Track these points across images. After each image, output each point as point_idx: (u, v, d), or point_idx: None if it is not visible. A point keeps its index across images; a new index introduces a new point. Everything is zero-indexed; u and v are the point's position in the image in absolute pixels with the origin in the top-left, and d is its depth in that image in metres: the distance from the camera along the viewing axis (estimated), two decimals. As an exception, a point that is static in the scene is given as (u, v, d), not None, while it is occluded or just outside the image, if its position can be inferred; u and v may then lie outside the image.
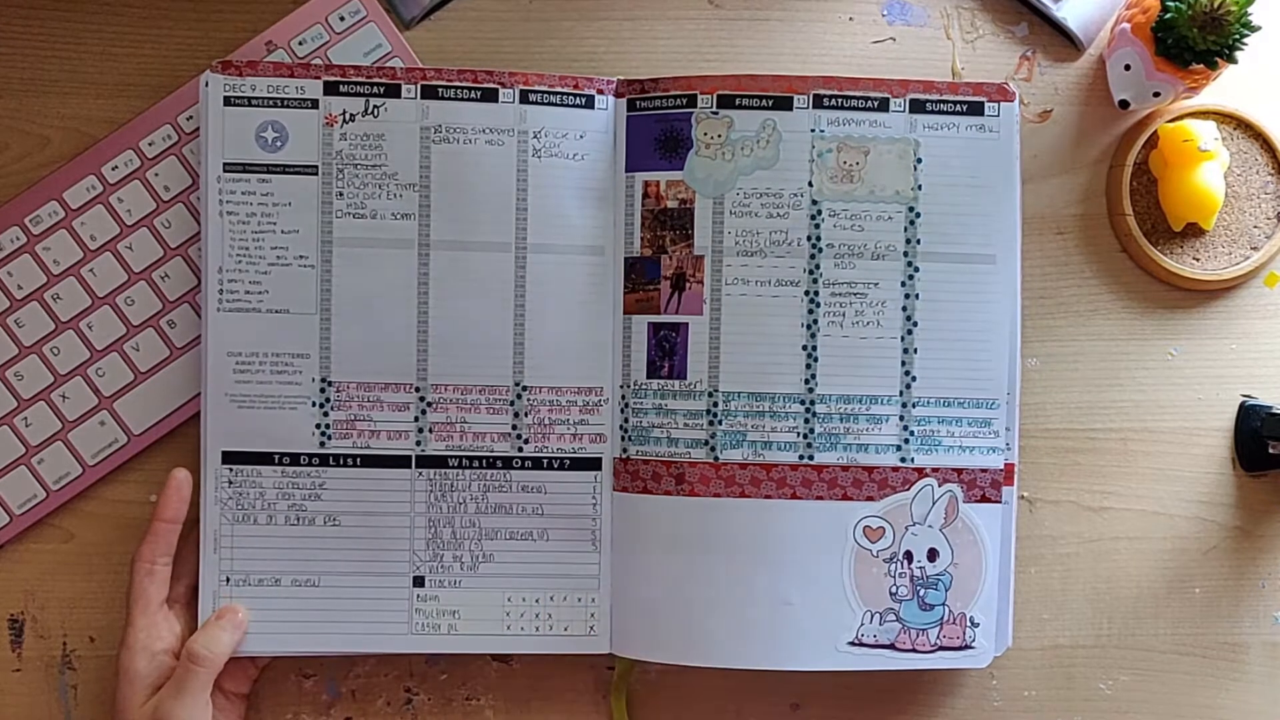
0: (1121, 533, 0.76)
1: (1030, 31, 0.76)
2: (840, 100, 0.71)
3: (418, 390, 0.71)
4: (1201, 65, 0.69)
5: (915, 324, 0.71)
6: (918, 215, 0.71)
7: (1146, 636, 0.76)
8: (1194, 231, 0.75)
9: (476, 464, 0.72)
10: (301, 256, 0.71)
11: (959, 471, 0.71)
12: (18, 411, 0.72)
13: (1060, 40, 0.76)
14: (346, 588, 0.71)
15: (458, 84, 0.71)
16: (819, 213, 0.71)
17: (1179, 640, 0.76)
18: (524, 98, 0.71)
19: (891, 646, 0.71)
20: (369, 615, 0.71)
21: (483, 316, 0.71)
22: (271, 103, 0.70)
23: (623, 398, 0.72)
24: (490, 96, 0.71)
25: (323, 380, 0.71)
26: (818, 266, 0.71)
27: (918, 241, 0.71)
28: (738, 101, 0.71)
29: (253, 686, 0.73)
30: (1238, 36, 0.68)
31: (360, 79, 0.71)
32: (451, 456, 0.71)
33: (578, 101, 0.72)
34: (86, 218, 0.72)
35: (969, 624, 0.71)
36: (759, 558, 0.70)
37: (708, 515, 0.71)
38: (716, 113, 0.71)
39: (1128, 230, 0.75)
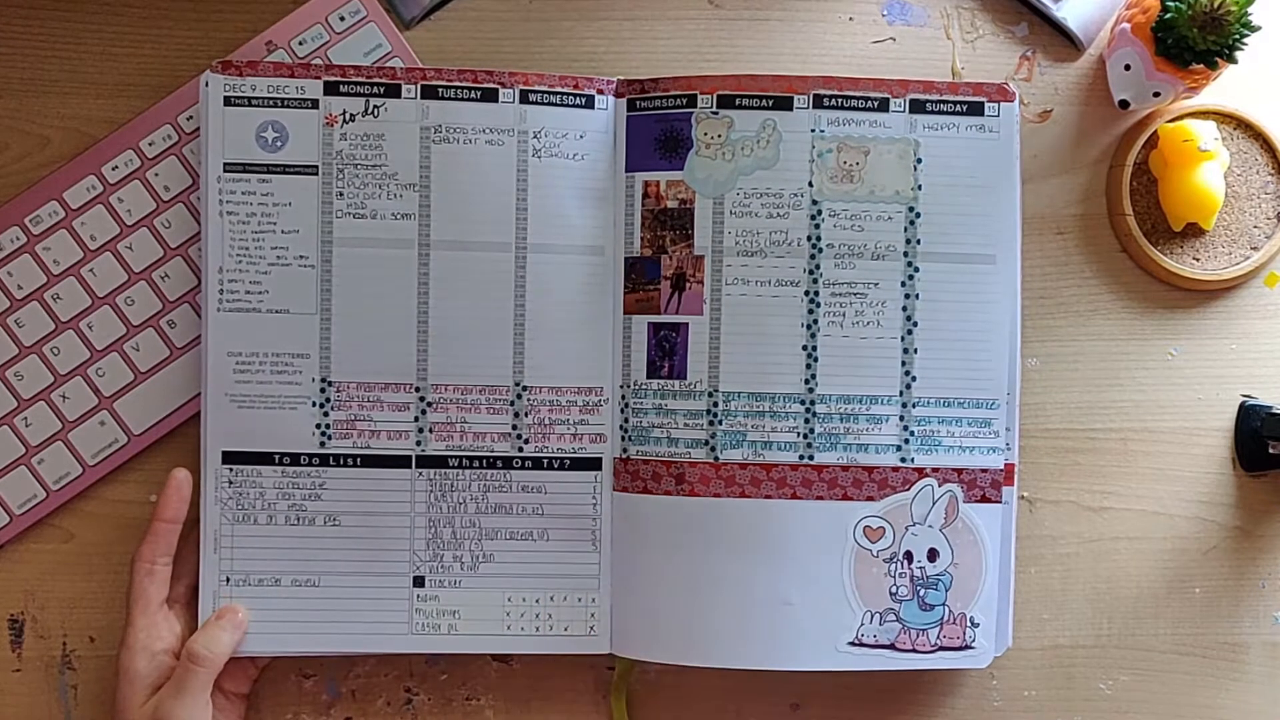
0: (1121, 533, 0.76)
1: (1030, 31, 0.76)
2: (840, 100, 0.71)
3: (418, 390, 0.71)
4: (1201, 65, 0.69)
5: (915, 324, 0.71)
6: (918, 215, 0.71)
7: (1146, 636, 0.76)
8: (1194, 231, 0.75)
9: (476, 464, 0.71)
10: (301, 256, 0.71)
11: (959, 471, 0.71)
12: (18, 411, 0.72)
13: (1060, 40, 0.76)
14: (346, 588, 0.71)
15: (458, 84, 0.71)
16: (819, 213, 0.71)
17: (1179, 640, 0.76)
18: (524, 98, 0.71)
19: (891, 646, 0.71)
20: (369, 615, 0.71)
21: (483, 316, 0.71)
22: (271, 103, 0.70)
23: (623, 398, 0.72)
24: (490, 96, 0.71)
25: (323, 380, 0.71)
26: (818, 266, 0.71)
27: (918, 241, 0.71)
28: (738, 101, 0.71)
29: (253, 686, 0.73)
30: (1238, 36, 0.68)
31: (360, 79, 0.71)
32: (451, 456, 0.71)
33: (578, 101, 0.72)
34: (86, 218, 0.72)
35: (969, 624, 0.71)
36: (759, 558, 0.70)
37: (708, 515, 0.71)
38: (716, 113, 0.71)
39: (1128, 230, 0.75)
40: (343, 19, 0.73)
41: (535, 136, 0.71)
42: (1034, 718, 0.75)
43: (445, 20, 0.75)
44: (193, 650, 0.68)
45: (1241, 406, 0.76)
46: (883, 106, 0.71)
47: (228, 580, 0.71)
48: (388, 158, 0.71)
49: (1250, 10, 0.68)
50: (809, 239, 0.71)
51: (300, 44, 0.73)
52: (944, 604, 0.71)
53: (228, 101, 0.70)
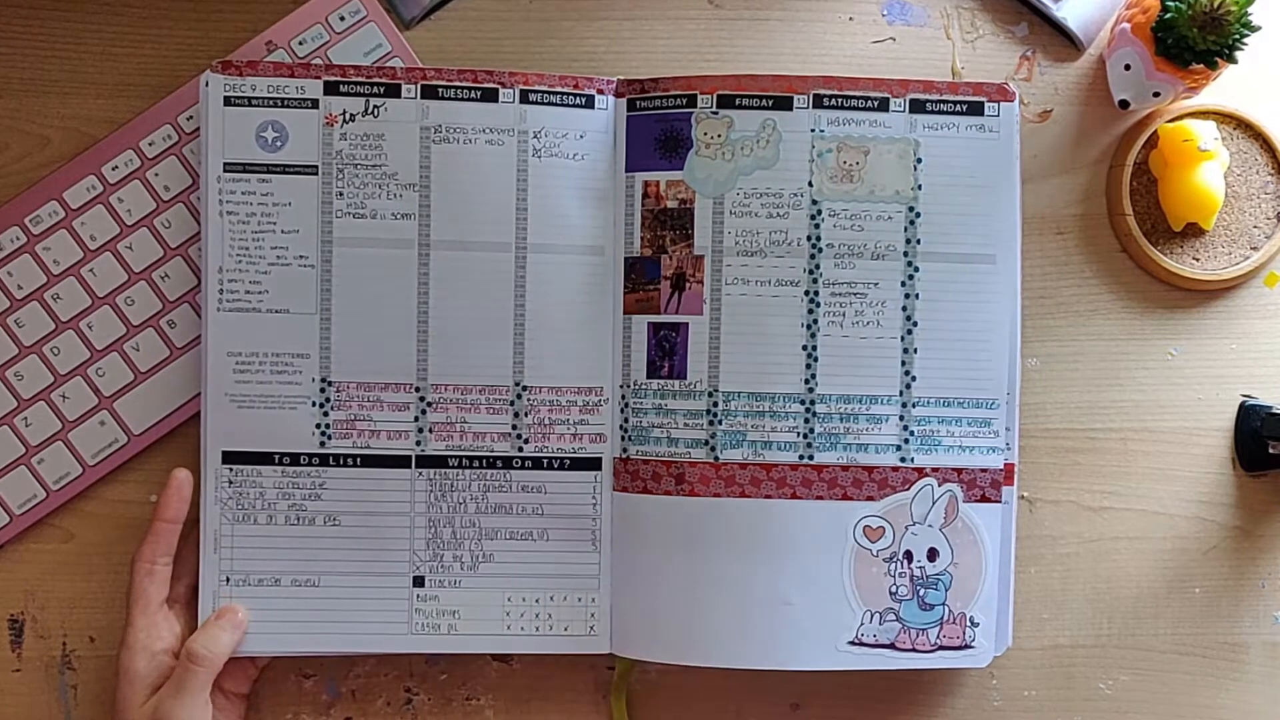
0: (1121, 533, 0.76)
1: (1030, 31, 0.76)
2: (840, 100, 0.71)
3: (418, 390, 0.71)
4: (1201, 65, 0.69)
5: (915, 324, 0.71)
6: (918, 215, 0.71)
7: (1146, 636, 0.76)
8: (1194, 231, 0.75)
9: (476, 464, 0.72)
10: (301, 256, 0.71)
11: (959, 471, 0.71)
12: (18, 411, 0.72)
13: (1060, 40, 0.76)
14: (346, 588, 0.71)
15: (458, 84, 0.71)
16: (819, 213, 0.71)
17: (1179, 640, 0.76)
18: (524, 98, 0.71)
19: (891, 646, 0.71)
20: (369, 615, 0.71)
21: (483, 316, 0.71)
22: (271, 103, 0.70)
23: (623, 398, 0.72)
24: (490, 96, 0.71)
25: (323, 380, 0.71)
26: (818, 266, 0.71)
27: (918, 241, 0.71)
28: (738, 101, 0.71)
29: (253, 686, 0.73)
30: (1238, 36, 0.68)
31: (360, 79, 0.71)
32: (451, 456, 0.71)
33: (578, 101, 0.72)
34: (86, 218, 0.72)
35: (969, 624, 0.71)
36: (759, 558, 0.70)
37: (708, 515, 0.71)
38: (716, 113, 0.71)
39: (1128, 230, 0.75)
40: (343, 19, 0.73)
41: (535, 136, 0.71)
42: (1034, 718, 0.75)
43: (445, 20, 0.75)
44: (192, 650, 0.68)
45: (1241, 406, 0.76)
46: (883, 106, 0.71)
47: (228, 580, 0.71)
48: (388, 158, 0.71)
49: (1250, 10, 0.68)
50: (809, 239, 0.71)
51: (300, 44, 0.73)
52: (944, 604, 0.71)
53: (228, 101, 0.70)
